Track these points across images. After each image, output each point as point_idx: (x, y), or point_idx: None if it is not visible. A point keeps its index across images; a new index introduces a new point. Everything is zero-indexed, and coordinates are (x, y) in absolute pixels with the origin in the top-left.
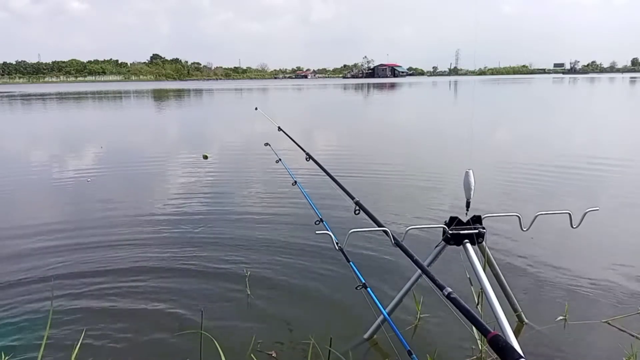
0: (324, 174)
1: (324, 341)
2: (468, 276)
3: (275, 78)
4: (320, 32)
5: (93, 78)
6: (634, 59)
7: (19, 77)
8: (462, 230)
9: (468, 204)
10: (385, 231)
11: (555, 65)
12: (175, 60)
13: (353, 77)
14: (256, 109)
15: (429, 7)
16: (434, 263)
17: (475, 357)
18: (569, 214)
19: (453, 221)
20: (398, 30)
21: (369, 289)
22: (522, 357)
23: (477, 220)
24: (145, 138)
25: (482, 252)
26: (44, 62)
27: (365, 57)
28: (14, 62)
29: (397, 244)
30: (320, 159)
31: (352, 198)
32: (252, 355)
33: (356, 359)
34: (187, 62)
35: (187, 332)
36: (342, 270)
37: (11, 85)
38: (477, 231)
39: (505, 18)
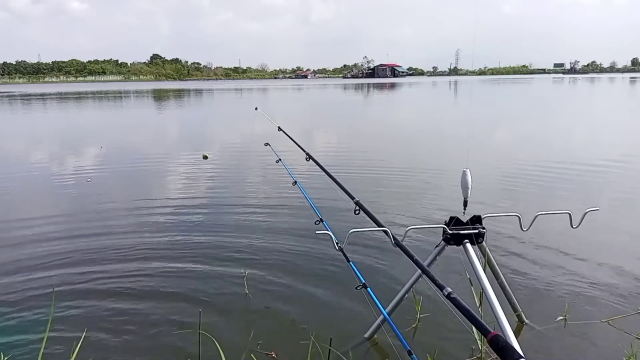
0: (324, 173)
1: (324, 341)
2: (468, 276)
3: (275, 78)
4: (320, 32)
5: (93, 78)
6: (634, 59)
7: (19, 77)
8: (462, 230)
9: (465, 203)
10: (385, 231)
11: (555, 65)
12: (175, 60)
13: (353, 77)
14: (256, 109)
15: (429, 7)
16: (434, 263)
17: (475, 357)
18: (569, 214)
19: (453, 221)
20: (398, 30)
21: (369, 289)
22: (522, 357)
23: (477, 220)
24: (145, 138)
25: (482, 252)
26: (44, 62)
27: (365, 57)
28: (14, 62)
29: (397, 244)
30: (320, 159)
31: (352, 198)
32: (251, 355)
33: (356, 359)
34: (187, 62)
35: (186, 331)
36: (342, 270)
37: (11, 85)
38: (477, 231)
39: (505, 18)
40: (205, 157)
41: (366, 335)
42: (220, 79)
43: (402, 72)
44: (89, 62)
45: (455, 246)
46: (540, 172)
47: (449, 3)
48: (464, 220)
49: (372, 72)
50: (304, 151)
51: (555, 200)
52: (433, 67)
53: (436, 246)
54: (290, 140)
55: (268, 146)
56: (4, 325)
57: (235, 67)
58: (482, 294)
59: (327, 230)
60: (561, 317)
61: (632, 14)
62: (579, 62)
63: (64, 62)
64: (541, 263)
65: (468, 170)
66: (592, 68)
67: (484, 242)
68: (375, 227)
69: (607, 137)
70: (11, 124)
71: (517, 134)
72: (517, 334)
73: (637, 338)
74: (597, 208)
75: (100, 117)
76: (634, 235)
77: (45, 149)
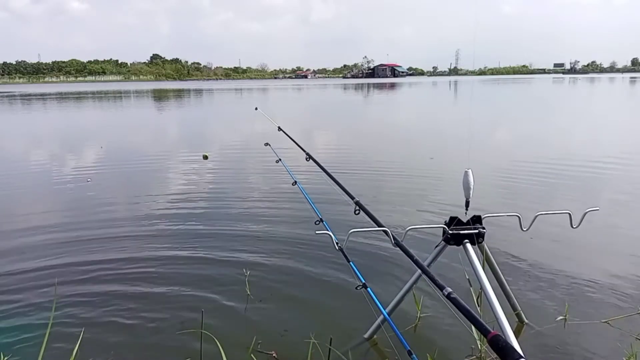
0: (324, 173)
1: (324, 341)
2: (468, 276)
3: (275, 78)
4: (320, 32)
5: (93, 78)
6: (634, 59)
7: (19, 77)
8: (462, 230)
9: (467, 204)
10: (385, 231)
11: (555, 65)
12: (175, 60)
13: (353, 77)
14: (256, 109)
15: (429, 7)
16: (434, 263)
17: (475, 357)
18: (569, 214)
19: (453, 221)
20: (398, 30)
21: (369, 289)
22: (522, 357)
23: (477, 220)
24: (145, 138)
25: (482, 252)
26: (44, 62)
27: (365, 57)
28: (14, 62)
29: (397, 244)
30: (320, 159)
31: (352, 198)
32: (252, 355)
33: (356, 359)
34: (187, 62)
35: (188, 331)
36: (342, 270)
37: (11, 85)
38: (477, 231)
39: (505, 18)
40: (205, 158)
41: (366, 335)
42: (220, 79)
43: (402, 72)
44: (89, 62)
45: (455, 246)
46: (540, 172)
47: (449, 3)
48: (464, 220)
49: (372, 72)
50: (304, 151)
51: (555, 200)
52: (433, 67)
53: (436, 246)
54: (290, 140)
55: (268, 146)
56: (3, 325)
57: (235, 67)
58: (482, 293)
59: (327, 230)
60: (561, 317)
61: (632, 14)
62: (579, 62)
63: (64, 62)
64: (541, 263)
65: (470, 170)
66: (592, 68)
67: (484, 242)
68: (375, 227)
69: (607, 137)
70: (11, 124)
71: (517, 134)
72: (517, 334)
73: (637, 338)
74: (597, 208)
75: (100, 117)
76: (634, 235)
77: (46, 149)
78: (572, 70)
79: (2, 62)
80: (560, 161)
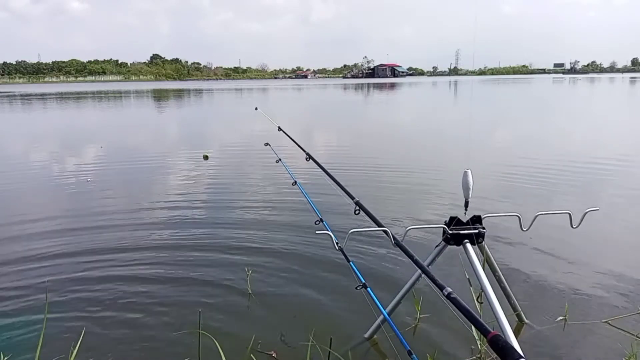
0: (324, 173)
1: (324, 341)
2: (468, 276)
3: (275, 78)
4: (320, 32)
5: (93, 78)
6: (634, 59)
7: (19, 77)
8: (462, 230)
9: (467, 204)
10: (385, 231)
11: (555, 65)
12: (175, 60)
13: (353, 77)
14: (256, 109)
15: (429, 7)
16: (434, 263)
17: (475, 357)
18: (569, 214)
19: (453, 221)
20: (398, 30)
21: (369, 289)
22: (522, 357)
23: (477, 220)
24: (145, 138)
25: (482, 252)
26: (44, 62)
27: (365, 57)
28: (14, 62)
29: (397, 244)
30: (320, 158)
31: (352, 198)
32: (252, 355)
33: (356, 359)
34: (187, 62)
35: (187, 332)
36: (342, 270)
37: (11, 85)
38: (477, 231)
39: (505, 18)
40: (205, 158)
41: (366, 335)
42: (220, 79)
43: (402, 72)
44: (89, 62)
45: (455, 246)
46: (540, 172)
47: (449, 3)
48: (464, 220)
49: (372, 72)
50: (304, 151)
51: (555, 200)
52: (433, 67)
53: (436, 246)
54: (290, 140)
55: (268, 146)
56: (3, 325)
57: (235, 67)
58: (482, 293)
59: (327, 230)
60: (561, 317)
61: (632, 14)
62: (579, 62)
63: (64, 62)
64: (541, 263)
65: (469, 170)
66: (592, 68)
67: (484, 242)
68: (375, 227)
69: (607, 137)
70: (11, 124)
71: (517, 134)
72: (517, 334)
73: (637, 338)
74: (597, 208)
75: (100, 117)
76: (634, 236)
77: (45, 149)
78: (572, 70)
79: (2, 62)
80: (560, 161)
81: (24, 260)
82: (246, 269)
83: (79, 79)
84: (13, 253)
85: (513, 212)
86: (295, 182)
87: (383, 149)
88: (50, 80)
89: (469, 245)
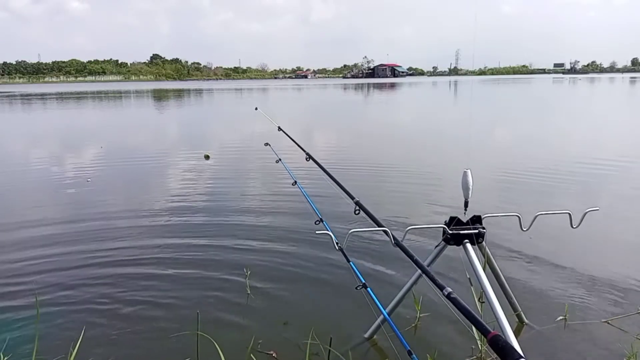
0: (324, 174)
1: (324, 341)
2: (468, 276)
3: (275, 78)
4: (320, 32)
5: (93, 78)
6: (634, 59)
7: (19, 77)
8: (462, 230)
9: (466, 204)
10: (385, 231)
11: (555, 65)
12: (175, 60)
13: (353, 77)
14: (256, 109)
15: (429, 7)
16: (434, 263)
17: (475, 357)
18: (569, 214)
19: (453, 221)
20: (398, 30)
21: (369, 289)
22: (522, 357)
23: (477, 220)
24: (146, 138)
25: (482, 252)
26: (44, 62)
27: (365, 57)
28: (14, 62)
29: (397, 244)
30: (321, 159)
31: (352, 198)
32: (251, 355)
33: (356, 359)
34: (187, 62)
35: (186, 333)
36: (342, 270)
37: (11, 85)
38: (477, 231)
39: (505, 18)
40: (207, 157)
41: (366, 335)
42: (220, 79)
43: (402, 72)
44: (89, 62)
45: (455, 246)
46: (540, 172)
47: (449, 3)
48: (464, 220)
49: (372, 72)
50: (304, 151)
51: (555, 200)
52: (433, 67)
53: (436, 246)
54: (290, 140)
55: (268, 146)
56: (3, 325)
57: (235, 67)
58: (482, 293)
59: (327, 230)
60: (561, 317)
61: (632, 14)
62: (579, 62)
63: (64, 62)
64: (541, 263)
65: (469, 170)
66: (592, 68)
67: (484, 242)
68: (375, 227)
69: (607, 137)
70: (11, 124)
71: (517, 134)
72: (517, 334)
73: (637, 338)
74: (597, 208)
75: (100, 117)
76: (634, 236)
77: (45, 149)
78: (572, 70)
79: (2, 62)
80: (560, 161)
81: (23, 259)
82: (246, 269)
83: (79, 79)
84: (13, 253)
85: (513, 212)
86: (295, 182)
87: (383, 149)
88: (50, 80)
89: (469, 245)
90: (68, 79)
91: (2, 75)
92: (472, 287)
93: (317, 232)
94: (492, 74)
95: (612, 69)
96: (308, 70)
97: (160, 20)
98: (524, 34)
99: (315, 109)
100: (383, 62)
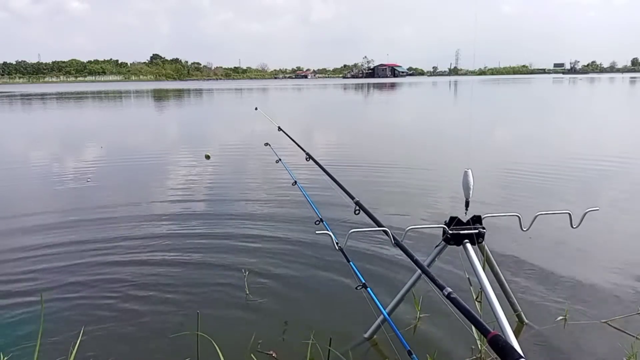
0: (324, 174)
1: (324, 341)
2: (468, 276)
3: (275, 78)
4: (320, 32)
5: (93, 78)
6: (634, 59)
7: (19, 77)
8: (462, 230)
9: (467, 204)
10: (385, 231)
11: (555, 65)
12: (175, 60)
13: (353, 77)
14: (256, 109)
15: (429, 7)
16: (434, 263)
17: (475, 357)
18: (569, 214)
19: (453, 221)
20: (398, 30)
21: (369, 289)
22: (522, 357)
23: (477, 220)
24: (146, 138)
25: (482, 252)
26: (44, 62)
27: (365, 57)
28: (14, 62)
29: (397, 244)
30: (320, 159)
31: (352, 198)
32: (251, 355)
33: (356, 359)
34: (187, 62)
35: (186, 333)
36: (342, 270)
37: (11, 85)
38: (477, 231)
39: (505, 18)
40: (207, 157)
41: (366, 335)
42: (220, 79)
43: (402, 72)
44: (89, 62)
45: (455, 246)
46: (540, 172)
47: (449, 3)
48: (464, 220)
49: (372, 72)
50: (304, 151)
51: (555, 200)
52: (433, 67)
53: (436, 246)
54: (290, 140)
55: (268, 146)
56: (2, 325)
57: (235, 67)
58: (482, 293)
59: (327, 230)
60: (561, 317)
61: (632, 14)
62: (579, 62)
63: (64, 62)
64: (541, 263)
65: (470, 170)
66: (592, 68)
67: (484, 242)
68: (375, 227)
69: (608, 137)
70: (11, 124)
71: (517, 134)
72: (517, 334)
73: (637, 338)
74: (597, 208)
75: (100, 117)
76: (634, 235)
77: (45, 149)
78: (572, 70)
79: (2, 62)
80: (561, 161)
81: (23, 259)
82: (245, 270)
83: (79, 79)
84: (12, 252)
85: (513, 212)
86: (295, 182)
87: (383, 149)
88: (50, 80)
89: (469, 245)
90: (68, 79)
91: (2, 75)
92: (472, 287)
93: (317, 232)
94: (492, 74)
95: (612, 69)
96: (308, 70)
97: (160, 20)
98: (524, 34)
99: (315, 109)
100: (383, 62)
